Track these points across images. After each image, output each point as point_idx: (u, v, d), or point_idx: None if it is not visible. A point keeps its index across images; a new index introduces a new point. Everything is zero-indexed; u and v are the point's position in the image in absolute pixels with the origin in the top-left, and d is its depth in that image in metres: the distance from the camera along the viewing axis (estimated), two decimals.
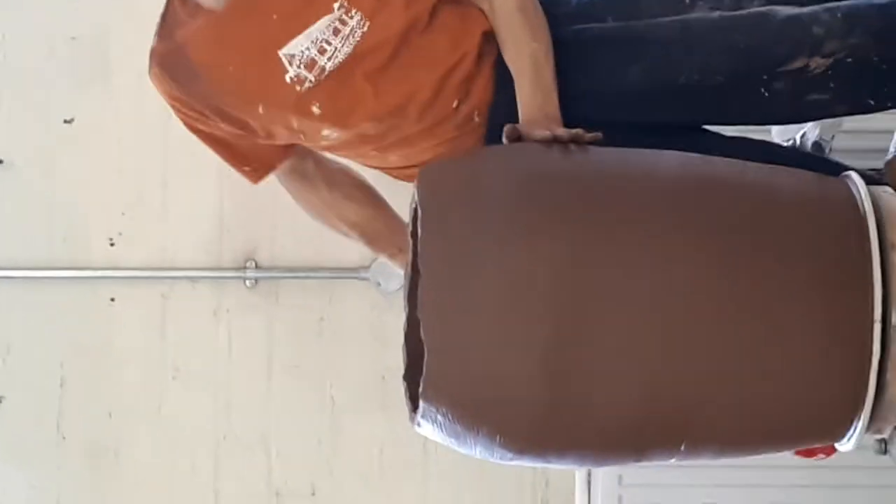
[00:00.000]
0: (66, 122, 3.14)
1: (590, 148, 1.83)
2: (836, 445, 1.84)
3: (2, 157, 3.15)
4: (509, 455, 1.75)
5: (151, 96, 2.23)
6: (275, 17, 2.07)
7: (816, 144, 2.47)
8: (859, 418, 1.74)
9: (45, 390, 3.13)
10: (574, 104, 2.02)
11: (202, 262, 3.14)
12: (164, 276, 3.13)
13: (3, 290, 3.13)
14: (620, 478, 3.00)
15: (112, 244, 3.14)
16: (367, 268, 3.08)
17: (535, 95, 2.00)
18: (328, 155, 2.31)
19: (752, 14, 2.04)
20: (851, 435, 1.78)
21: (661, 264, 1.68)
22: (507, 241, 1.68)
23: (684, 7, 2.14)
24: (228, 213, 3.12)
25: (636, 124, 2.03)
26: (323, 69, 2.06)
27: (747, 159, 1.85)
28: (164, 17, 2.16)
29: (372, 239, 2.35)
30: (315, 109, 2.09)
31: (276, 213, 3.08)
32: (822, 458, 2.38)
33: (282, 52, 2.07)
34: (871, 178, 1.97)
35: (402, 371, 1.86)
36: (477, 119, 2.11)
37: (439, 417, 1.71)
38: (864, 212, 1.75)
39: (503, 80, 2.07)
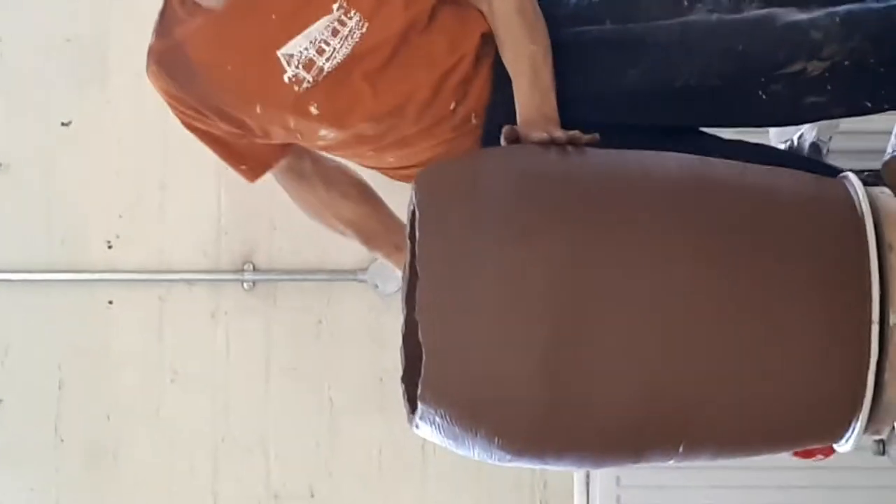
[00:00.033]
0: (63, 125, 3.14)
1: (588, 149, 1.83)
2: (835, 446, 1.84)
3: (0, 160, 3.15)
4: (508, 456, 1.74)
5: (150, 98, 2.22)
6: (274, 17, 2.06)
7: (814, 145, 2.47)
8: (857, 419, 1.74)
9: (43, 392, 3.13)
10: (572, 106, 2.02)
11: (200, 265, 3.14)
12: (162, 278, 3.13)
13: (2, 293, 3.13)
14: (618, 479, 3.01)
15: (110, 247, 3.14)
16: (364, 270, 3.09)
17: (532, 97, 2.01)
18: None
19: (752, 18, 2.04)
20: (850, 436, 1.78)
21: (660, 264, 1.68)
22: (506, 242, 1.68)
23: (683, 10, 2.13)
24: (226, 215, 3.13)
25: (635, 126, 2.04)
26: (321, 69, 2.06)
27: (745, 161, 1.86)
28: (162, 14, 2.15)
29: (368, 237, 2.34)
30: (313, 110, 2.09)
31: (274, 215, 3.09)
32: (821, 459, 2.38)
33: (280, 53, 2.07)
34: (868, 181, 1.97)
35: (400, 373, 1.85)
36: (474, 120, 2.11)
37: (437, 419, 1.71)
38: (862, 212, 1.75)
39: (501, 82, 2.07)
